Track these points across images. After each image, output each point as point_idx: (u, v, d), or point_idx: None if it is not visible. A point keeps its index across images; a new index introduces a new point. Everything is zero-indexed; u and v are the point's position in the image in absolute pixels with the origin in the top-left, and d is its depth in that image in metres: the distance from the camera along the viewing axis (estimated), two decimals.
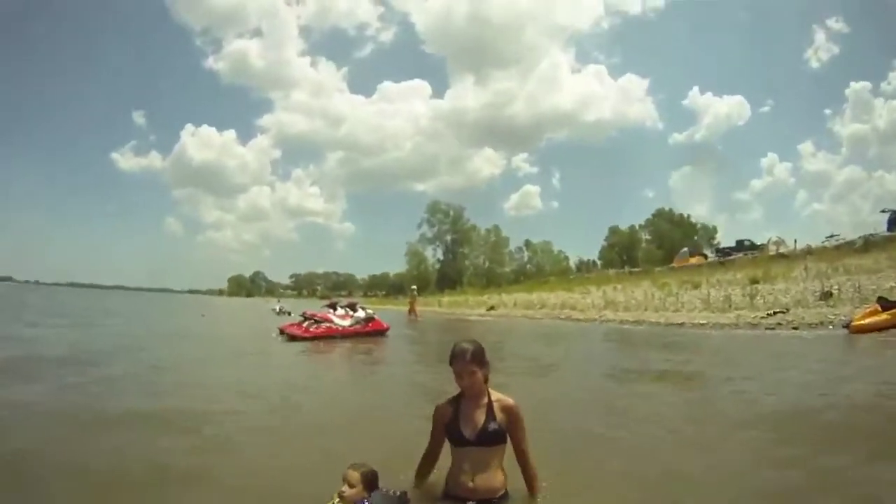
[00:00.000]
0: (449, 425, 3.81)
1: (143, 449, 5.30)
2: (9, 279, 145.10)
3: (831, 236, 40.44)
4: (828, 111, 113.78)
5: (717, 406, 7.45)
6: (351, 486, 3.82)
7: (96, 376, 8.93)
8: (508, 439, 3.79)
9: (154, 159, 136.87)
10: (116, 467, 4.79)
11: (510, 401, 3.82)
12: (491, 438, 3.71)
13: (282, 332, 19.82)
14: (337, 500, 3.83)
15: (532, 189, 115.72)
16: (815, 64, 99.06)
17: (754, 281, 25.38)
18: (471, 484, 3.70)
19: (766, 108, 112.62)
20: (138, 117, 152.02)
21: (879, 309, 12.75)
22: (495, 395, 3.83)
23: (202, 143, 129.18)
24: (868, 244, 30.18)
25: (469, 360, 3.72)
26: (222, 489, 4.53)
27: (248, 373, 10.94)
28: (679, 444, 5.58)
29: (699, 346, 14.63)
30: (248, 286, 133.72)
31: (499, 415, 3.74)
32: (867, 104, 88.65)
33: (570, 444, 5.65)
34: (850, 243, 32.44)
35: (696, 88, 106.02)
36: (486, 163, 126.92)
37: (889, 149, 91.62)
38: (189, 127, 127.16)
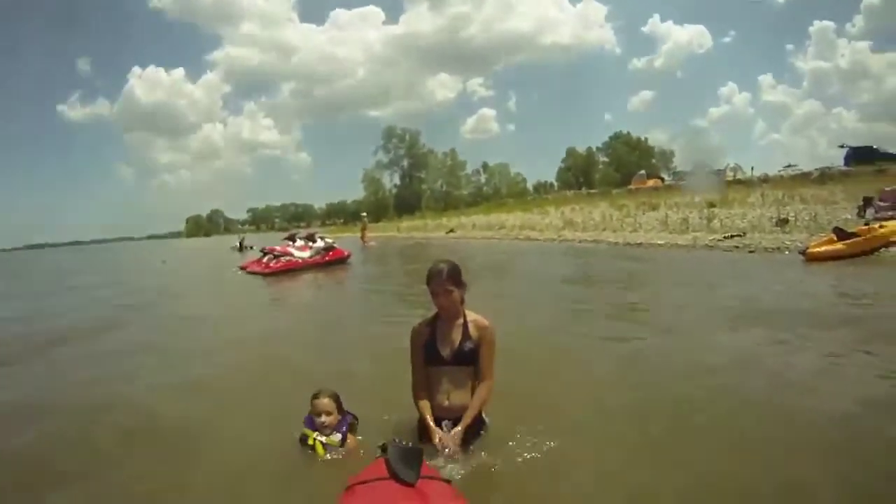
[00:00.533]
0: (426, 346, 3.78)
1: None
2: None
3: (788, 166, 41.24)
4: (790, 46, 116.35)
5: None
6: (328, 413, 4.00)
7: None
8: None
9: (102, 106, 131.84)
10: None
11: (485, 321, 3.80)
12: (467, 357, 3.72)
13: (243, 268, 20.39)
14: (315, 434, 3.96)
15: (488, 112, 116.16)
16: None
17: (711, 205, 25.67)
18: (447, 402, 3.73)
19: (727, 39, 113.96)
20: (83, 65, 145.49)
21: (835, 238, 12.96)
22: (471, 316, 3.81)
23: (150, 84, 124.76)
24: (824, 176, 30.67)
25: (445, 279, 3.68)
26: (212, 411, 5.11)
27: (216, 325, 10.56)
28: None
29: (658, 262, 15.47)
30: (207, 225, 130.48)
31: (474, 334, 3.74)
32: (831, 43, 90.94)
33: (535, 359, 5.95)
34: (807, 174, 32.95)
35: (656, 16, 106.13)
36: (442, 87, 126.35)
37: (849, 87, 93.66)
38: (136, 69, 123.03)
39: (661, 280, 12.62)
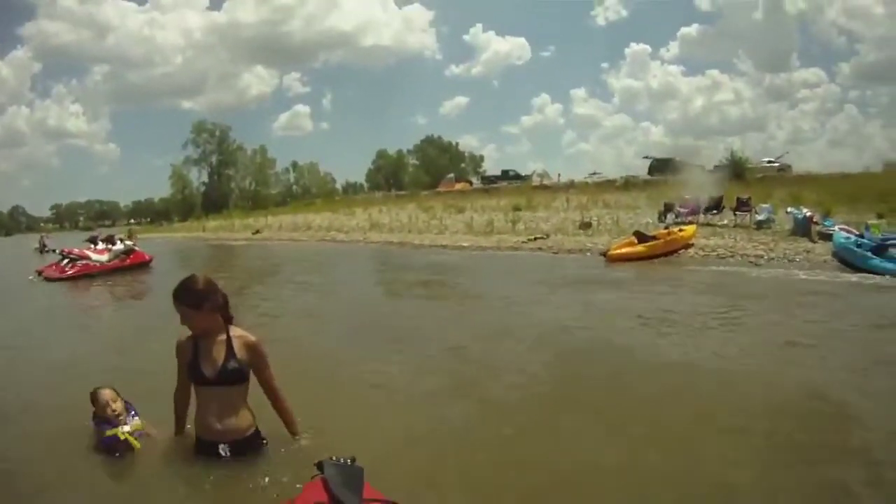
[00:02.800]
0: (190, 364, 3.50)
1: None
2: None
3: (594, 174, 43.25)
4: (605, 65, 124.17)
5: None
6: (114, 400, 3.96)
7: None
8: (253, 377, 3.61)
9: None
10: None
11: (251, 337, 3.57)
12: (232, 377, 3.46)
13: (39, 273, 18.62)
14: (119, 429, 3.83)
15: (303, 110, 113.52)
16: (601, 21, 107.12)
17: (517, 208, 26.28)
18: (218, 426, 3.50)
19: (546, 53, 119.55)
20: None
21: (636, 241, 13.35)
22: (236, 332, 3.56)
23: None
24: (629, 184, 32.42)
25: (184, 303, 3.41)
26: None
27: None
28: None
29: (458, 264, 15.46)
30: (7, 223, 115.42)
31: (240, 352, 3.49)
32: (644, 64, 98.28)
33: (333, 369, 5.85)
34: (612, 181, 34.78)
35: (479, 25, 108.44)
36: (258, 80, 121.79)
37: (658, 105, 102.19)
38: None
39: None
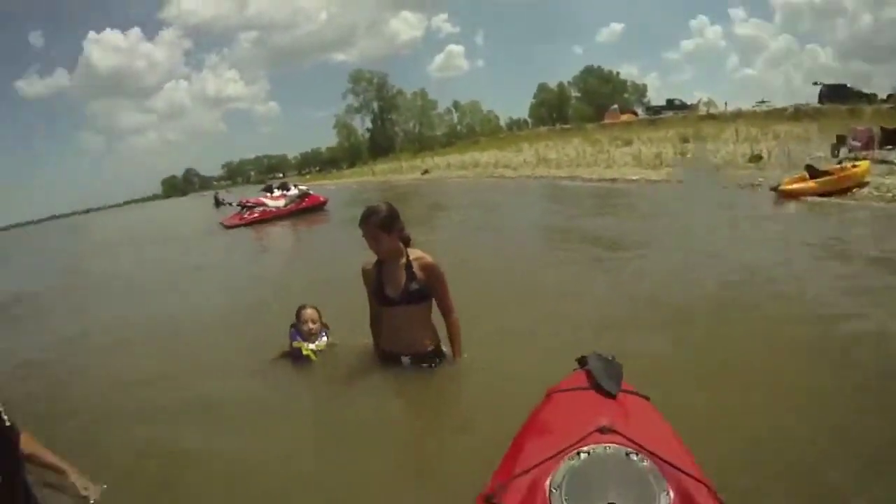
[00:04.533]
0: (374, 287, 3.85)
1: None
2: None
3: (762, 102, 41.02)
4: None
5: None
6: (314, 321, 4.52)
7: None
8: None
9: (60, 77, 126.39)
10: None
11: (429, 259, 3.82)
12: (414, 297, 3.77)
13: (222, 224, 20.63)
14: (305, 343, 4.44)
15: (456, 49, 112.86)
16: None
17: (684, 140, 25.56)
18: (402, 341, 3.88)
19: None
20: (35, 38, 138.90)
21: (807, 176, 12.91)
22: (414, 255, 3.82)
23: (107, 48, 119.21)
24: (799, 113, 30.50)
25: (373, 225, 3.68)
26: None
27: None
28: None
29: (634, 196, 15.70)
30: (182, 185, 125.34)
31: (419, 273, 3.76)
32: None
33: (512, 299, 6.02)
34: (781, 110, 32.83)
35: None
36: (406, 25, 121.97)
37: (822, 24, 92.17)
38: (91, 35, 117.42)
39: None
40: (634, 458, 1.82)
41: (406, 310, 3.80)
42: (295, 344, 4.49)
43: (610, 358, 2.46)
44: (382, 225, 3.66)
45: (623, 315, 5.14)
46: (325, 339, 4.59)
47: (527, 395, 2.48)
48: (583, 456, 1.86)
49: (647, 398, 2.30)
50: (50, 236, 42.30)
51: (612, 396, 2.23)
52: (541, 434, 2.16)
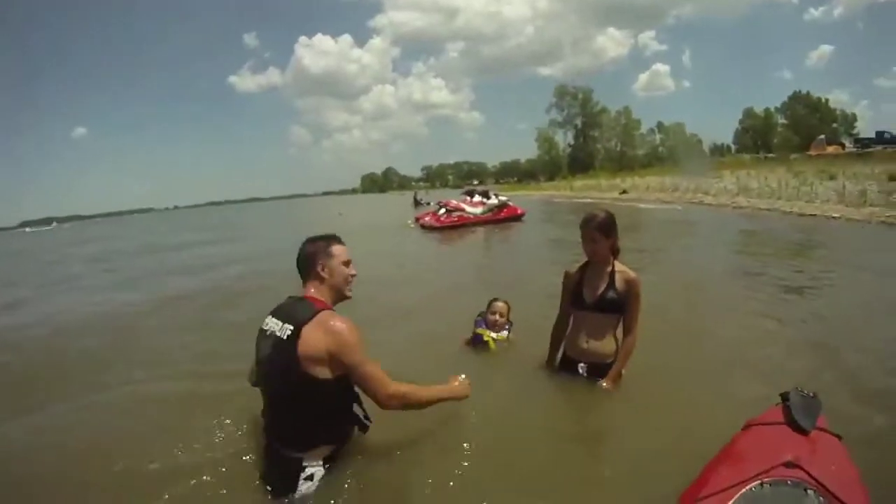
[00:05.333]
0: (574, 290, 3.97)
1: None
2: (150, 210, 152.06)
3: None
4: None
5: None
6: (502, 314, 4.97)
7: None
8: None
9: (272, 75, 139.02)
10: None
11: (632, 273, 3.90)
12: (608, 305, 3.87)
13: (417, 220, 21.92)
14: (488, 332, 4.90)
15: (662, 68, 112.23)
16: None
17: (893, 178, 23.81)
18: (585, 346, 3.99)
19: None
20: (250, 39, 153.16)
21: None
22: (619, 267, 3.92)
23: (318, 51, 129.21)
24: None
25: (593, 227, 3.83)
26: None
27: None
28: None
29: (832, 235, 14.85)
30: (381, 182, 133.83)
31: (619, 284, 3.84)
32: None
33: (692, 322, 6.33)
34: None
35: None
36: (612, 42, 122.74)
37: None
38: (303, 39, 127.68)
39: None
40: (811, 493, 1.93)
41: (596, 317, 3.92)
42: (478, 330, 4.84)
43: (810, 395, 2.57)
44: (601, 228, 3.82)
45: (821, 358, 4.91)
46: (505, 332, 4.91)
47: (723, 426, 2.71)
48: (765, 487, 1.98)
49: (839, 437, 2.35)
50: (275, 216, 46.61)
51: (804, 433, 2.32)
52: (731, 462, 2.29)
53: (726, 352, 5.15)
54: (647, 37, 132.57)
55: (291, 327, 2.84)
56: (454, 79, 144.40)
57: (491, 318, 4.90)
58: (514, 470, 3.17)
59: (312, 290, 3.11)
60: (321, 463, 2.94)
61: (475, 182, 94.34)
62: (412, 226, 21.64)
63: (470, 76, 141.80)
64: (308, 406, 2.87)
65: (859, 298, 7.36)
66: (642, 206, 29.16)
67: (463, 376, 3.58)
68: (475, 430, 3.52)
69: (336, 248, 3.19)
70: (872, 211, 17.96)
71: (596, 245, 3.83)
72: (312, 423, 2.88)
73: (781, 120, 79.90)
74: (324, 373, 2.82)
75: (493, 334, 4.82)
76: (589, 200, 34.60)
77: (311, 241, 3.22)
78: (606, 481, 3.09)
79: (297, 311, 2.93)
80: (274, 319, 2.98)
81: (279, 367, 2.85)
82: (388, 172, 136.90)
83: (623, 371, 3.94)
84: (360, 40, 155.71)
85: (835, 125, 74.52)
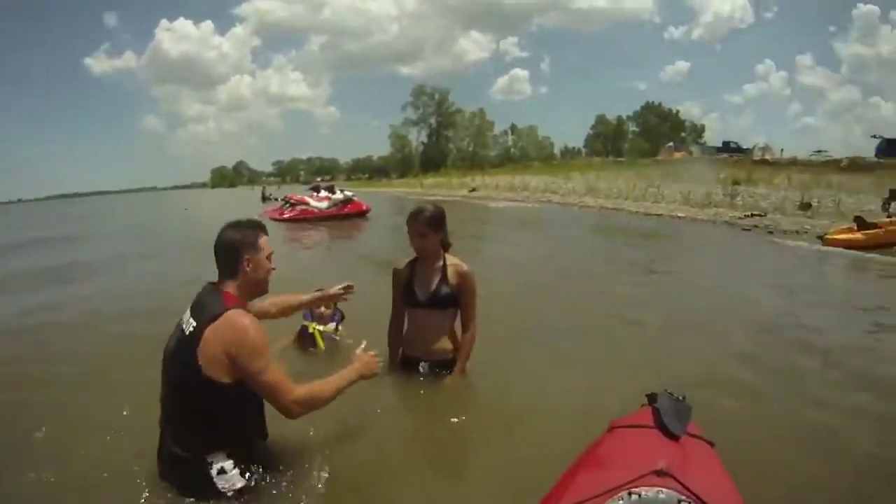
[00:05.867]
0: (405, 287, 3.78)
1: None
2: None
3: (819, 151, 40.63)
4: (832, 28, 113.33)
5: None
6: (326, 305, 4.56)
7: None
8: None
9: (129, 59, 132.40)
10: None
11: (464, 266, 3.76)
12: (442, 301, 3.72)
13: (262, 215, 19.79)
14: (314, 324, 4.60)
15: (521, 73, 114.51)
16: None
17: (736, 182, 25.53)
18: (423, 344, 3.82)
19: (769, 15, 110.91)
20: (109, 18, 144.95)
21: (855, 228, 12.79)
22: (451, 260, 3.77)
23: (178, 36, 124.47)
24: (854, 165, 30.15)
25: (422, 222, 3.66)
26: None
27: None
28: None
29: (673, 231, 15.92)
30: (232, 176, 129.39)
31: (452, 279, 3.71)
32: (873, 28, 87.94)
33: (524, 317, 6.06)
34: (837, 161, 32.49)
35: None
36: (474, 45, 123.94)
37: (889, 77, 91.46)
38: (164, 22, 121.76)
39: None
40: None
41: (431, 314, 3.77)
42: (306, 321, 4.61)
43: (680, 398, 2.42)
44: (430, 222, 3.66)
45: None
46: (333, 324, 4.70)
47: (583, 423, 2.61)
48: (633, 497, 1.80)
49: (711, 444, 2.23)
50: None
51: (675, 438, 2.18)
52: (595, 468, 2.13)
53: (583, 344, 5.18)
54: (510, 42, 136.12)
55: (195, 323, 2.58)
56: (314, 72, 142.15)
57: (317, 310, 4.61)
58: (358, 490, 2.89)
59: (228, 284, 2.74)
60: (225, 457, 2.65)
61: (327, 178, 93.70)
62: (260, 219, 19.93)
63: (330, 71, 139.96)
64: (204, 408, 2.58)
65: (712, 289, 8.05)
66: (492, 204, 29.52)
67: (364, 344, 3.21)
68: (309, 445, 3.08)
69: (263, 241, 2.81)
70: (717, 211, 19.53)
71: (425, 240, 3.68)
72: (209, 426, 2.60)
73: (633, 128, 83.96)
74: (223, 376, 2.54)
75: (320, 327, 4.61)
76: (438, 197, 34.55)
77: (236, 228, 2.80)
78: (458, 495, 2.90)
79: (205, 306, 2.63)
80: (188, 310, 2.70)
81: (178, 363, 2.60)
82: (239, 167, 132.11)
83: (466, 366, 3.83)
84: (223, 28, 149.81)
85: (683, 134, 78.42)
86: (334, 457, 3.02)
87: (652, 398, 2.42)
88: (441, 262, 3.75)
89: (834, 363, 4.85)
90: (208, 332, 2.51)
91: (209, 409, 2.57)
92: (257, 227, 2.84)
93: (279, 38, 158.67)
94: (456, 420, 3.50)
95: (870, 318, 6.53)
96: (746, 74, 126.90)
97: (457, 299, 3.73)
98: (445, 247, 3.78)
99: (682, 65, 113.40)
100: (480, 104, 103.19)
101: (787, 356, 4.98)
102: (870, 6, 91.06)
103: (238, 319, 2.56)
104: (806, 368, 4.71)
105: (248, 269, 2.72)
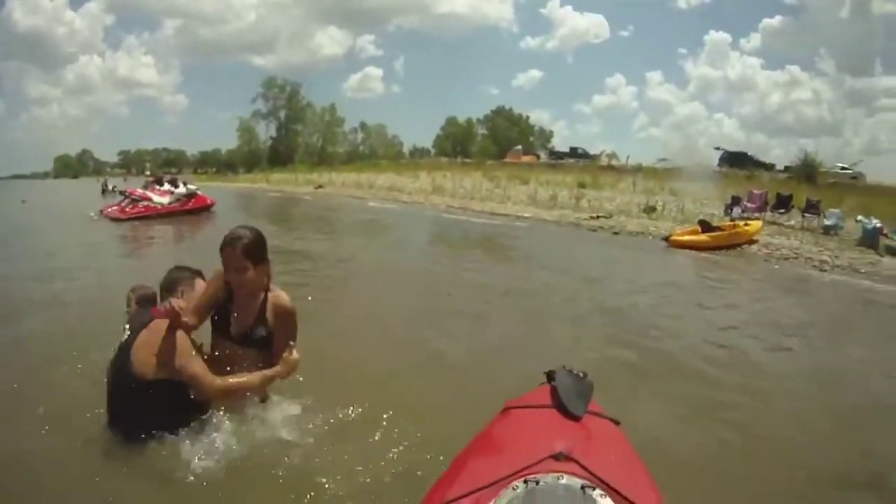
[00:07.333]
0: (219, 308, 3.17)
1: None
2: None
3: (663, 159, 42.18)
4: (683, 50, 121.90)
5: None
6: (128, 305, 4.11)
7: None
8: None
9: None
10: None
11: (286, 302, 3.20)
12: (255, 342, 3.17)
13: (101, 212, 19.27)
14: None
15: (375, 72, 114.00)
16: (682, 5, 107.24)
17: (582, 185, 26.08)
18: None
19: (625, 33, 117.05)
20: None
21: (700, 230, 13.20)
22: (273, 293, 3.21)
23: (29, 7, 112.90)
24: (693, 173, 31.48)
25: (240, 252, 2.98)
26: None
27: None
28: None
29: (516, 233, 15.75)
30: (76, 166, 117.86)
31: (271, 317, 3.18)
32: (723, 54, 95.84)
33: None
34: (679, 169, 33.58)
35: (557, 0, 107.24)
36: (330, 41, 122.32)
37: (734, 97, 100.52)
38: None
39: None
40: (591, 492, 1.64)
41: (243, 352, 3.19)
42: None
43: (581, 375, 2.32)
44: (249, 252, 3.00)
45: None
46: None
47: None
48: (530, 485, 1.66)
49: (616, 423, 2.15)
50: None
51: (576, 419, 2.09)
52: (488, 453, 2.04)
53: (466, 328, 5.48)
54: (366, 40, 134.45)
55: (129, 333, 3.08)
56: (165, 58, 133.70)
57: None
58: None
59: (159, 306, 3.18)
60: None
61: (173, 171, 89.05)
62: (95, 218, 18.74)
63: (181, 57, 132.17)
64: (146, 404, 2.92)
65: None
66: (339, 200, 28.84)
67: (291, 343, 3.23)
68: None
69: (199, 284, 3.31)
70: (563, 213, 19.51)
71: (243, 276, 3.01)
72: (151, 419, 2.94)
73: (482, 131, 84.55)
74: (156, 374, 2.91)
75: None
76: (278, 195, 34.62)
77: (181, 268, 3.43)
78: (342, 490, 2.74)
79: (138, 318, 3.15)
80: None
81: (119, 367, 3.00)
82: (84, 156, 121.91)
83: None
84: (76, 1, 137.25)
85: (532, 139, 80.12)
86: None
87: (550, 376, 2.32)
88: (262, 296, 3.19)
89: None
90: (140, 336, 3.01)
91: (147, 404, 2.96)
92: (196, 273, 3.40)
93: (133, 17, 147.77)
94: (334, 411, 3.35)
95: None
96: (597, 86, 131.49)
97: (271, 341, 3.19)
98: (269, 278, 3.23)
99: (535, 73, 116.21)
100: (332, 100, 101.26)
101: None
102: (721, 33, 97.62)
103: (162, 324, 2.99)
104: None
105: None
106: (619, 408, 2.31)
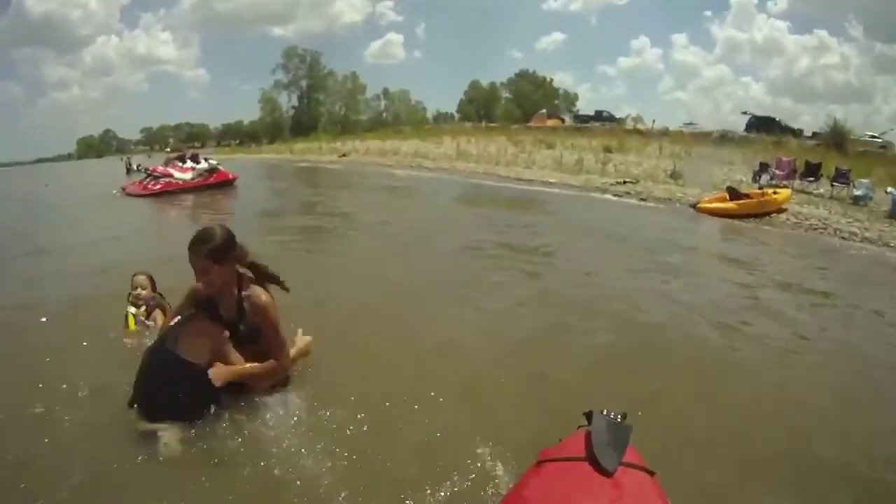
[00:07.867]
0: (209, 308, 3.28)
1: None
2: None
3: (689, 124, 41.29)
4: (708, 13, 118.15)
5: None
6: (143, 287, 4.57)
7: None
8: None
9: None
10: None
11: (262, 298, 3.29)
12: (242, 339, 3.30)
13: (123, 189, 19.60)
14: (132, 308, 4.51)
15: (395, 38, 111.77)
16: None
17: (608, 149, 25.60)
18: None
19: None
20: None
21: (727, 197, 13.06)
22: (248, 290, 3.29)
23: None
24: (724, 138, 30.95)
25: (203, 255, 3.07)
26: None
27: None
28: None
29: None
30: (99, 146, 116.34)
31: (249, 315, 3.29)
32: (750, 16, 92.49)
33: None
34: (707, 134, 33.26)
35: None
36: (349, 8, 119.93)
37: (760, 60, 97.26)
38: None
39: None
40: None
41: (236, 346, 3.30)
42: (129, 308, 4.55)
43: (618, 419, 2.23)
44: (213, 255, 3.07)
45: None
46: (143, 308, 4.54)
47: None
48: None
49: (652, 473, 2.04)
50: None
51: (608, 474, 1.97)
52: None
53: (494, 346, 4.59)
54: (385, 6, 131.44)
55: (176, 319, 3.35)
56: (183, 33, 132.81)
57: (133, 293, 4.55)
58: None
59: None
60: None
61: (196, 144, 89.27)
62: (118, 196, 19.04)
63: (199, 31, 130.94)
64: (182, 388, 3.10)
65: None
66: (358, 167, 29.11)
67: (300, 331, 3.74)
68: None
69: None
70: (588, 178, 19.13)
71: (209, 277, 3.11)
72: (182, 404, 3.11)
73: (506, 94, 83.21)
74: (204, 360, 3.16)
75: (132, 309, 4.47)
76: (305, 165, 34.44)
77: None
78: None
79: (182, 310, 3.38)
80: None
81: (162, 352, 3.17)
82: (106, 136, 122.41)
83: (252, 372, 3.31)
84: None
85: (556, 102, 78.37)
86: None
87: (589, 417, 2.26)
88: (237, 295, 3.28)
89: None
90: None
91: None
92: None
93: None
94: (356, 448, 3.01)
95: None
96: (622, 48, 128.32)
97: (257, 335, 3.31)
98: (260, 271, 3.41)
99: (559, 36, 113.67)
100: (353, 68, 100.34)
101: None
102: None
103: None
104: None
105: None
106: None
